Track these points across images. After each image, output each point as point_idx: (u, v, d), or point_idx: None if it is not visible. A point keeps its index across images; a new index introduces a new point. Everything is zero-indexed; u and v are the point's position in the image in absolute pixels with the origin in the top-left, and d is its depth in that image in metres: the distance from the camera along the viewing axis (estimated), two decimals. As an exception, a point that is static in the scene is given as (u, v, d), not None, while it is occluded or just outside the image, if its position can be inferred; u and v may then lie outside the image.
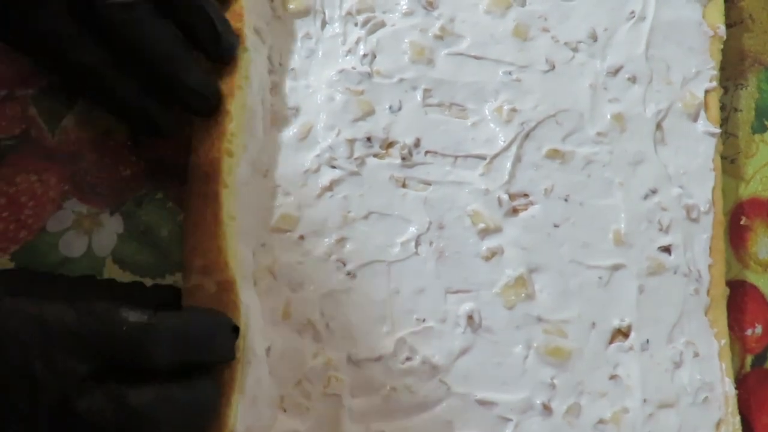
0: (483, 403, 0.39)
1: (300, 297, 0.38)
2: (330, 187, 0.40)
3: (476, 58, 0.43)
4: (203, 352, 0.33)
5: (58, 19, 0.34)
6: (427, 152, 0.41)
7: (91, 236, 0.39)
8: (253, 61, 0.39)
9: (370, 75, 0.41)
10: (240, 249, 0.36)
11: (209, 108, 0.38)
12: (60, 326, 0.29)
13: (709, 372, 0.41)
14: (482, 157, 0.41)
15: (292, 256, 0.39)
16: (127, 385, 0.30)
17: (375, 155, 0.41)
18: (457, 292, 0.40)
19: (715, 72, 0.45)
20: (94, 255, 0.39)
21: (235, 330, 0.34)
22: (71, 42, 0.35)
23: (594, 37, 0.44)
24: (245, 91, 0.38)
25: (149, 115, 0.37)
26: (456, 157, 0.41)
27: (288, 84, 0.41)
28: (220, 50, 0.38)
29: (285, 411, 0.37)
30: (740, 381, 0.43)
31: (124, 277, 0.39)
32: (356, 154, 0.40)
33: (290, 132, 0.40)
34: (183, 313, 0.35)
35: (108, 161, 0.40)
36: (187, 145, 0.39)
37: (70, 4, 0.34)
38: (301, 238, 0.39)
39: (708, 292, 0.42)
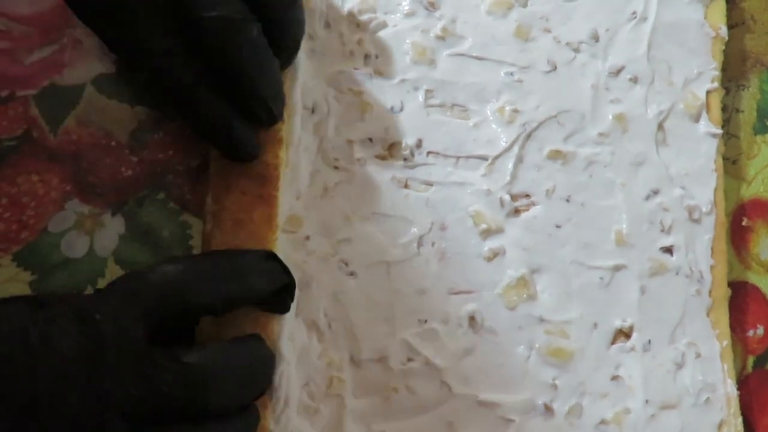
0: (485, 404, 0.39)
1: (306, 296, 0.38)
2: (332, 188, 0.40)
3: (478, 58, 0.43)
4: (243, 286, 0.33)
5: (157, 37, 0.34)
6: (428, 153, 0.41)
7: (92, 237, 0.39)
8: (302, 67, 0.40)
9: (371, 76, 0.41)
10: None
11: (275, 122, 0.37)
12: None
13: (711, 373, 0.41)
14: (484, 158, 0.41)
15: (298, 256, 0.39)
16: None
17: (377, 156, 0.41)
18: (459, 293, 0.40)
19: (717, 73, 0.45)
20: (96, 255, 0.39)
21: None
22: (169, 60, 0.34)
23: (596, 38, 0.44)
24: (294, 98, 0.39)
25: (237, 138, 0.36)
26: (458, 157, 0.41)
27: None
28: (293, 59, 0.38)
29: (297, 413, 0.37)
30: (741, 382, 0.43)
31: (126, 277, 0.39)
32: (358, 155, 0.40)
33: (303, 132, 0.41)
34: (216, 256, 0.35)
35: (109, 162, 0.40)
36: (191, 147, 0.39)
37: (167, 18, 0.34)
38: (307, 238, 0.39)
39: (710, 293, 0.42)
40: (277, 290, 0.34)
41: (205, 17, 0.33)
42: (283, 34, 0.36)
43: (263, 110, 0.36)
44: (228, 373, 0.31)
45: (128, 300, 0.30)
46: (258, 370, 0.33)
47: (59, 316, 0.28)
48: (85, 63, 0.41)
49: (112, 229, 0.39)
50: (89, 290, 0.39)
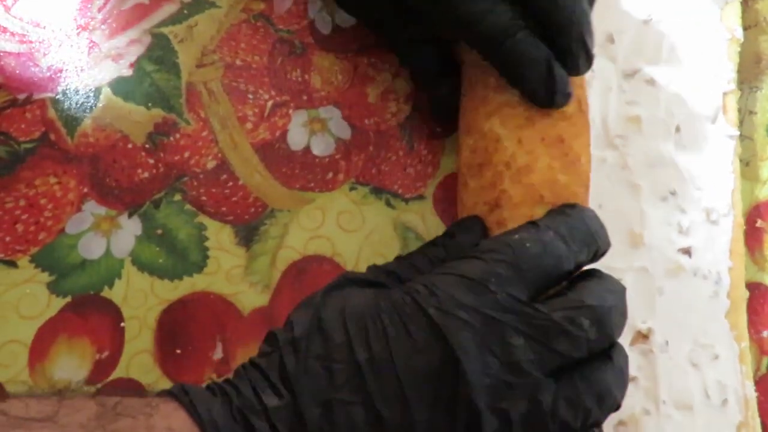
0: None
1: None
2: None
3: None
4: (592, 249, 0.34)
5: None
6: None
7: (109, 238, 0.39)
8: None
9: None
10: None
11: (590, 66, 0.36)
12: None
13: (729, 375, 0.41)
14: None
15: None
16: None
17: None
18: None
19: (733, 74, 0.44)
20: (113, 257, 0.39)
21: None
22: (489, 4, 0.34)
23: (611, 40, 0.43)
24: None
25: (559, 77, 0.35)
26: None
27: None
28: None
29: None
30: (756, 383, 0.43)
31: (143, 278, 0.39)
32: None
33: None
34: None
35: (126, 164, 0.40)
36: (207, 149, 0.40)
37: None
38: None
39: (728, 294, 0.42)
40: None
41: None
42: None
43: (583, 52, 0.35)
44: (613, 303, 0.32)
45: (514, 271, 0.30)
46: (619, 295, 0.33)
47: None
48: (102, 66, 0.41)
49: (128, 231, 0.40)
50: (106, 292, 0.39)
